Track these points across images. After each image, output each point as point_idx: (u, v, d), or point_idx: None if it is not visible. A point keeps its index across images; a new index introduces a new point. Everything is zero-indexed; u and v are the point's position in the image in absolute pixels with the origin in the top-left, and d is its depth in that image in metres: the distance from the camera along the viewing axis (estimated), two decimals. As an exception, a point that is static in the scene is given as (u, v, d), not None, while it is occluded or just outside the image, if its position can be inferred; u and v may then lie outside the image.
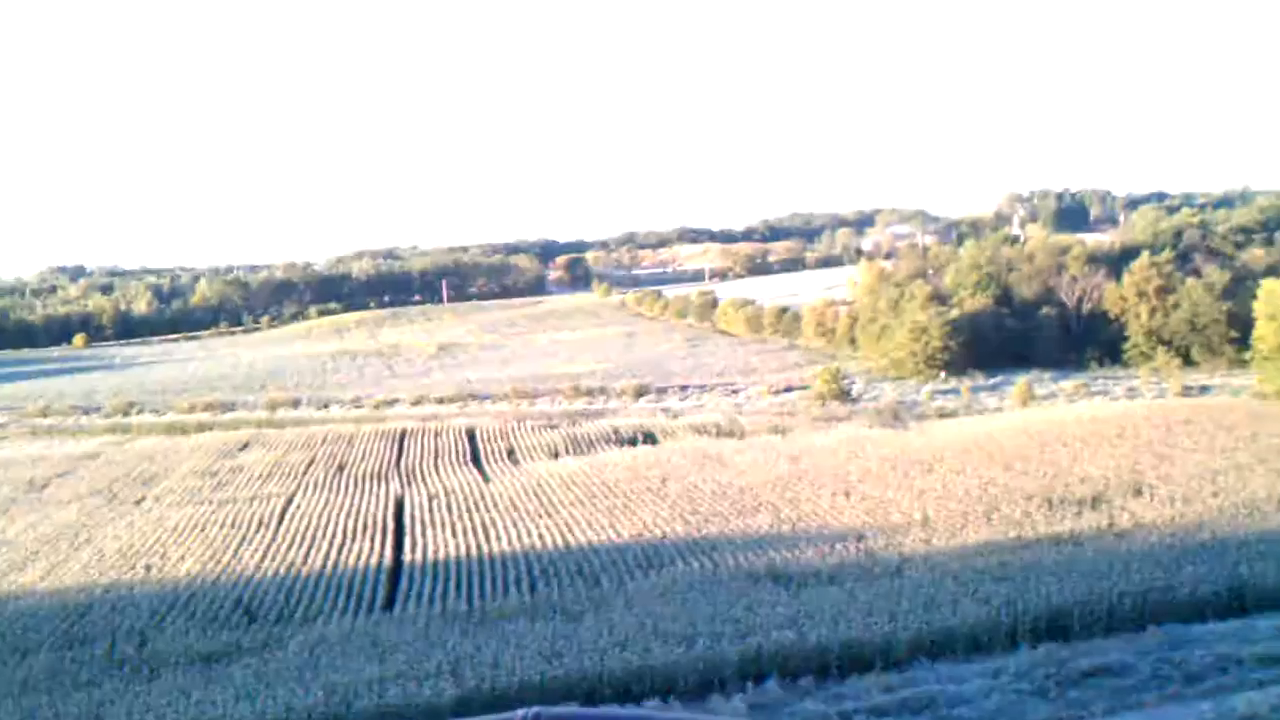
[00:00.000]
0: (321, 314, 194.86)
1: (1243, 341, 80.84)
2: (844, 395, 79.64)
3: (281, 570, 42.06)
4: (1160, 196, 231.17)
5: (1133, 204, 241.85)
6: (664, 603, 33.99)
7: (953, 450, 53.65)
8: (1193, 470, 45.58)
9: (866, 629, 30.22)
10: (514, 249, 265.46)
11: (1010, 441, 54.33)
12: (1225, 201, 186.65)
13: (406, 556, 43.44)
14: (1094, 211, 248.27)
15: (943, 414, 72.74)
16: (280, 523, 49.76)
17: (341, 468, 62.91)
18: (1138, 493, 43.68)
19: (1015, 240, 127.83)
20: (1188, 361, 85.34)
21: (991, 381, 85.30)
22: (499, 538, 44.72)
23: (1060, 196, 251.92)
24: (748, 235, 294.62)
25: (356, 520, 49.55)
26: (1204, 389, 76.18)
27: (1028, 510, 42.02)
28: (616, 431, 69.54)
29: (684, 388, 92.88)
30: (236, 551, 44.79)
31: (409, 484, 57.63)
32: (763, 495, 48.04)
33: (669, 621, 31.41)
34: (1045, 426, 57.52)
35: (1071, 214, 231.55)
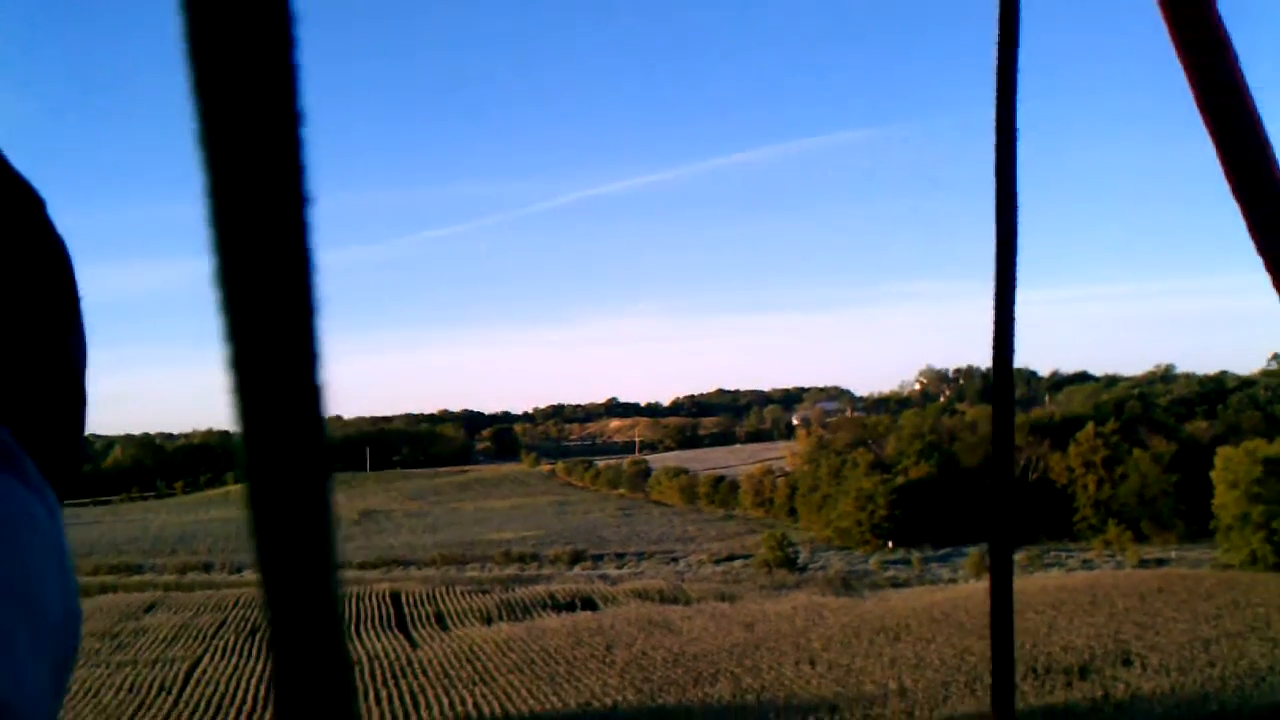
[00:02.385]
0: (239, 480, 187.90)
1: (1192, 515, 79.14)
2: (790, 563, 76.11)
3: (182, 741, 37.21)
4: (1085, 377, 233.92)
5: (1057, 385, 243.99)
6: (622, 780, 29.91)
7: (917, 619, 50.24)
8: (1181, 639, 42.62)
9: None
10: (439, 420, 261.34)
11: (977, 609, 51.03)
12: (1150, 381, 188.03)
13: (325, 727, 38.71)
14: (1019, 391, 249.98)
15: (895, 583, 69.48)
16: (185, 687, 44.74)
17: (254, 631, 57.77)
18: (1126, 662, 40.58)
19: (954, 411, 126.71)
20: (1138, 534, 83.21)
21: (941, 552, 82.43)
22: (429, 707, 40.26)
23: (985, 375, 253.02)
24: (675, 410, 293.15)
25: (269, 686, 44.68)
26: (1160, 562, 73.77)
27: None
28: (553, 597, 65.19)
29: (620, 555, 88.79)
30: (133, 719, 39.77)
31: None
32: (720, 663, 44.13)
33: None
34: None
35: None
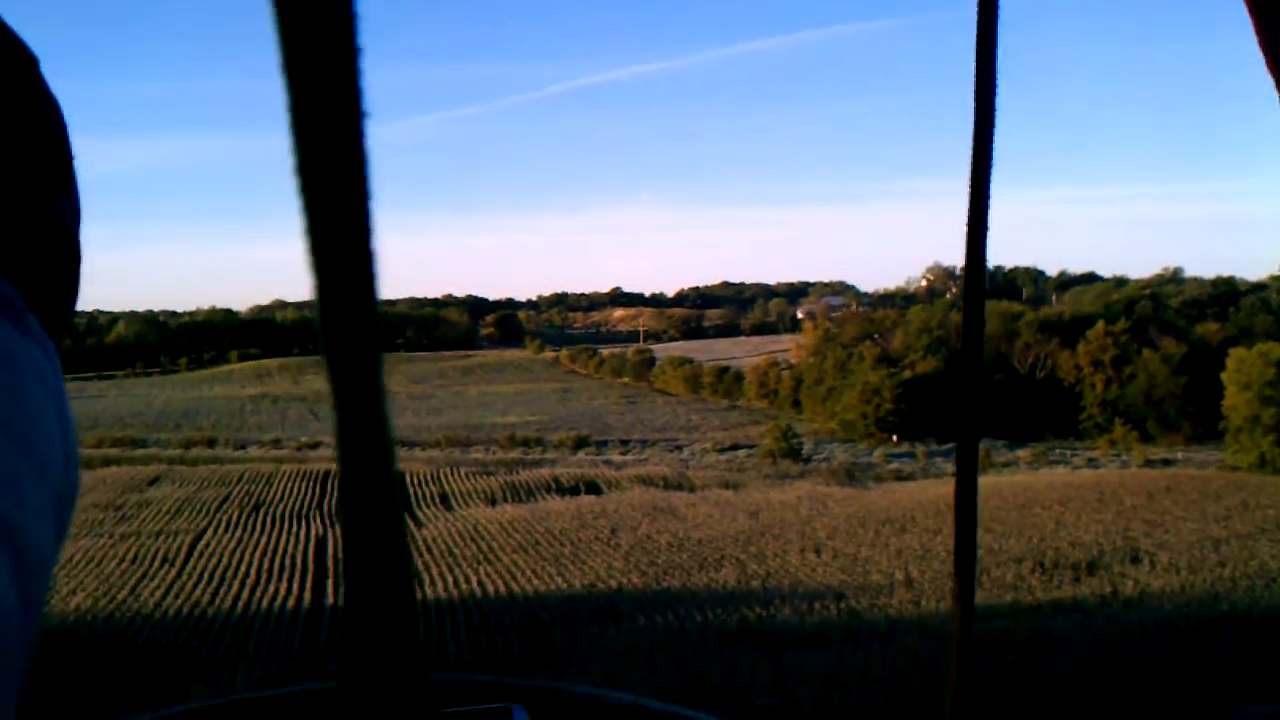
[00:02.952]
0: (243, 359, 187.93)
1: (1199, 417, 78.84)
2: (795, 454, 75.93)
3: (186, 610, 37.04)
4: (1092, 278, 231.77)
5: (1064, 285, 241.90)
6: (627, 661, 29.70)
7: (923, 511, 50.00)
8: (1190, 538, 42.35)
9: (863, 696, 26.23)
10: (443, 305, 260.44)
11: (985, 504, 50.42)
12: (1159, 284, 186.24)
13: (329, 600, 38.64)
14: (1026, 290, 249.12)
15: (900, 476, 69.31)
16: (188, 560, 44.66)
17: (258, 506, 57.72)
18: (1135, 560, 40.32)
19: (960, 307, 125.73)
20: (1144, 435, 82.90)
21: (945, 447, 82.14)
22: (433, 583, 40.10)
23: (992, 275, 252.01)
24: (679, 302, 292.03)
25: (273, 560, 44.60)
26: (1166, 462, 73.52)
27: (1021, 574, 38.39)
28: (557, 480, 65.09)
29: (624, 442, 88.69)
30: (134, 589, 39.64)
31: (332, 525, 52.67)
32: (724, 549, 43.95)
33: (634, 684, 27.07)
34: (1018, 491, 54.16)
35: (1003, 292, 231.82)
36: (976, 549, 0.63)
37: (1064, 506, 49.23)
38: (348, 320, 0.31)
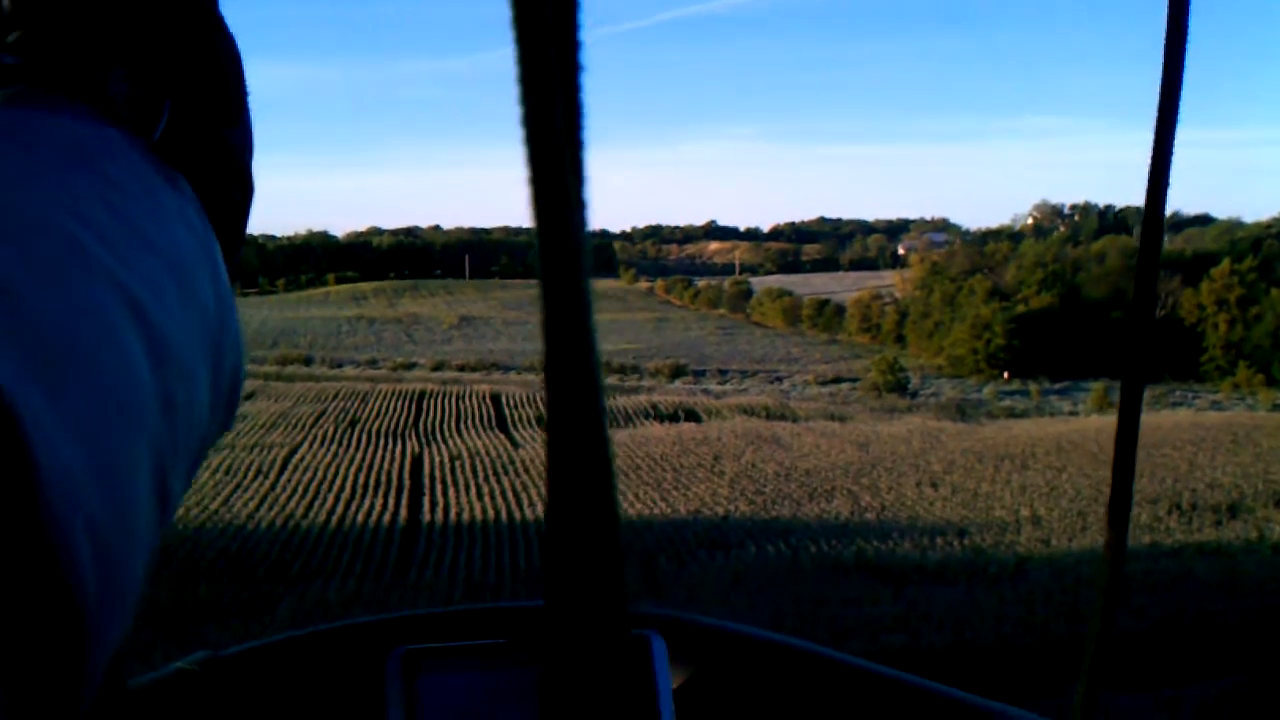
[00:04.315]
0: (339, 281, 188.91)
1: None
2: (901, 388, 73.38)
3: (279, 523, 36.00)
4: (1206, 219, 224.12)
5: (1176, 226, 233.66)
6: (738, 591, 27.92)
7: (1044, 447, 47.38)
8: (1343, 484, 39.39)
9: (997, 637, 24.15)
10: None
11: (1108, 441, 47.21)
12: (1275, 226, 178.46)
13: (425, 517, 37.37)
14: (1136, 230, 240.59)
15: (1013, 413, 66.51)
16: (282, 473, 43.75)
17: (354, 423, 56.81)
18: (1279, 504, 37.52)
19: (1078, 242, 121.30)
20: (1270, 379, 78.82)
21: (1059, 385, 79.05)
22: (531, 504, 38.58)
23: (1103, 214, 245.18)
24: (774, 236, 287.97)
25: (368, 476, 43.52)
26: (1295, 408, 69.67)
27: (1157, 515, 35.81)
28: (655, 407, 63.39)
29: (723, 372, 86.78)
30: (228, 500, 38.71)
31: (428, 444, 51.57)
32: (835, 480, 41.90)
33: (747, 613, 25.22)
34: (1145, 430, 48.83)
35: (1113, 230, 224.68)
36: (1132, 496, 0.64)
37: (1195, 447, 46.28)
38: (561, 245, 0.32)
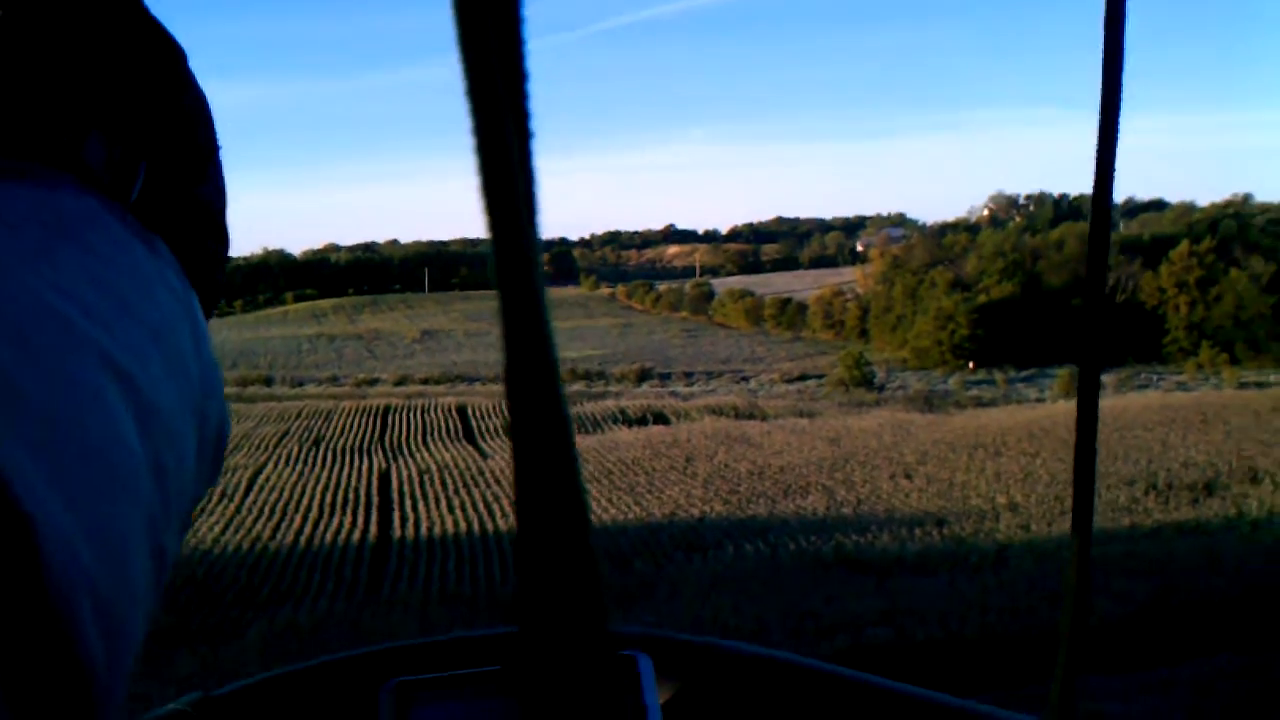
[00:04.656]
0: (298, 299, 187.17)
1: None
2: (868, 383, 73.26)
3: (245, 545, 35.22)
4: (1160, 205, 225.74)
5: (1130, 211, 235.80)
6: (719, 592, 27.40)
7: (1015, 435, 47.25)
8: (1315, 456, 39.41)
9: (983, 628, 23.78)
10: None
11: (1080, 426, 47.97)
12: (1229, 209, 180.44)
13: (395, 533, 36.69)
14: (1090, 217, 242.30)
15: (981, 403, 66.46)
16: (247, 495, 42.90)
17: (318, 442, 56.00)
18: (1254, 480, 37.47)
19: (1035, 230, 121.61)
20: (1232, 358, 79.27)
21: (1025, 373, 79.19)
22: (503, 514, 37.98)
23: (1057, 202, 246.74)
24: (733, 238, 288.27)
25: (335, 494, 42.81)
26: (1260, 385, 69.94)
27: (1135, 496, 35.68)
28: (623, 411, 62.92)
29: (688, 374, 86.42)
30: (193, 524, 37.81)
31: (395, 459, 50.83)
32: (809, 476, 41.57)
33: (729, 614, 24.82)
34: (1115, 413, 51.05)
35: (1069, 218, 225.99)
36: (1095, 478, 0.67)
37: (1167, 428, 46.34)
38: (515, 253, 0.32)
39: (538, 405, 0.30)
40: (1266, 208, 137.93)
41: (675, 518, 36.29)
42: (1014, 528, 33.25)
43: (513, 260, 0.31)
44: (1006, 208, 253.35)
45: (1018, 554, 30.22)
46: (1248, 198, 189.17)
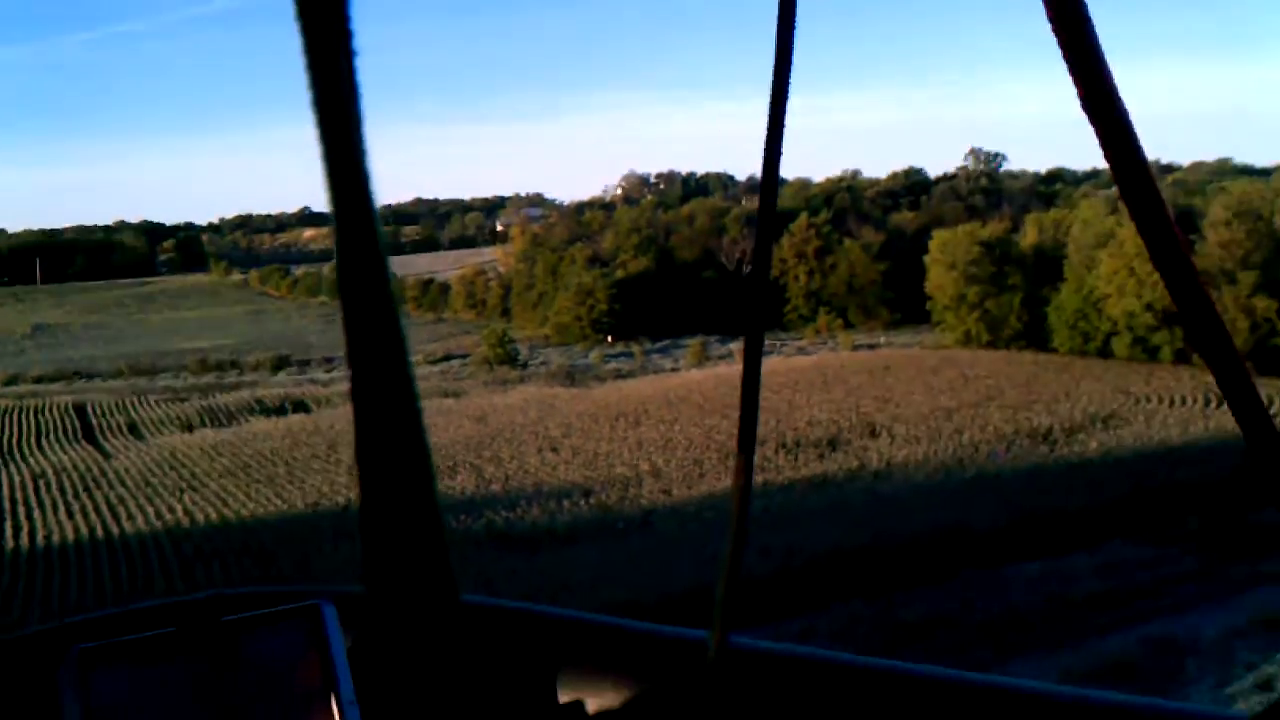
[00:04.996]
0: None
1: (898, 302, 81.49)
2: (512, 360, 73.59)
3: None
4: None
5: (752, 190, 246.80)
6: (368, 579, 26.63)
7: (654, 404, 48.74)
8: (923, 410, 42.74)
9: (636, 593, 24.27)
10: (115, 231, 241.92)
11: (713, 393, 49.97)
12: (841, 183, 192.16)
13: (8, 544, 33.59)
14: (716, 195, 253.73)
15: (620, 375, 68.07)
16: None
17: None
18: (873, 434, 40.30)
19: (669, 207, 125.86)
20: (847, 322, 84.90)
21: (660, 344, 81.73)
22: (130, 517, 35.58)
23: (685, 180, 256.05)
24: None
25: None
26: (871, 347, 75.21)
27: (766, 455, 37.40)
28: (260, 401, 60.45)
29: (329, 360, 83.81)
30: None
31: (5, 464, 46.61)
32: (456, 456, 41.21)
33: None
34: (739, 379, 53.53)
35: (696, 195, 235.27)
36: (756, 436, 0.70)
37: (792, 390, 48.92)
38: (357, 227, 0.32)
39: (379, 369, 0.31)
40: (875, 182, 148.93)
41: (320, 507, 35.08)
42: (657, 492, 34.18)
43: (356, 237, 0.32)
44: (639, 186, 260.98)
45: (662, 519, 31.07)
46: (857, 173, 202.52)
